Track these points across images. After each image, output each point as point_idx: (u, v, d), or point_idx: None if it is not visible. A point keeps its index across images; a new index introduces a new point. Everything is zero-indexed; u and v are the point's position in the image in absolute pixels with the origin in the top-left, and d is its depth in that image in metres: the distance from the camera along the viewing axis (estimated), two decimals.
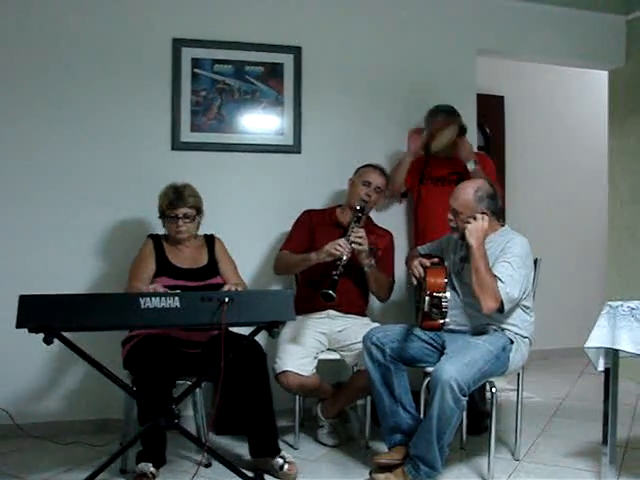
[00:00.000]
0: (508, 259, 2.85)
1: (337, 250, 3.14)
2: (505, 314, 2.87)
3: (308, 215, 3.60)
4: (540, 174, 5.59)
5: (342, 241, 3.18)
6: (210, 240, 3.32)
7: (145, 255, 3.17)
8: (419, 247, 3.37)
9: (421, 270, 2.94)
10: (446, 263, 3.09)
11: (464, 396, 2.65)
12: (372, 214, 3.63)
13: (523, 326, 2.97)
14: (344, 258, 3.13)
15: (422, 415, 3.01)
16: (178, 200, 3.12)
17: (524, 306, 2.97)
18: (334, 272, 3.09)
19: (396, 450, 2.93)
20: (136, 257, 3.19)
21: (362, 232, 3.25)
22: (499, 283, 2.78)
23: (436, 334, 3.00)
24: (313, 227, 3.53)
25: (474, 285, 2.81)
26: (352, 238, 3.20)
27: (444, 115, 3.70)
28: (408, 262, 3.21)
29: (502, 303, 2.78)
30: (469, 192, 2.97)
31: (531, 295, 3.05)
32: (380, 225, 3.68)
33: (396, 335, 2.99)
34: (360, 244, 3.22)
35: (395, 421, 2.96)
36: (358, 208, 3.36)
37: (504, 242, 2.94)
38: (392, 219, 3.97)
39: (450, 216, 2.99)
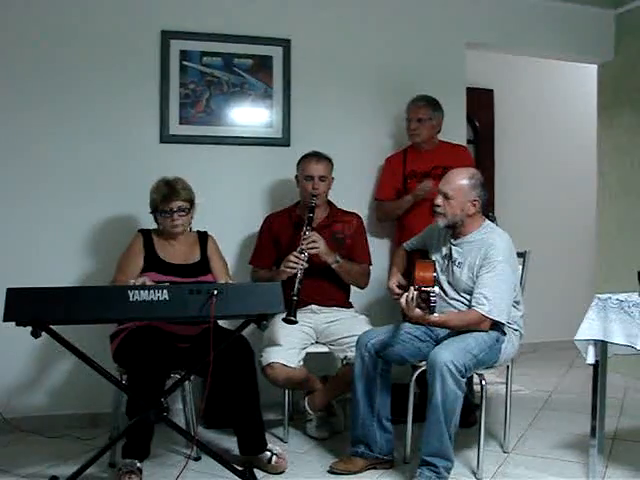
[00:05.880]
0: (492, 269, 2.80)
1: (290, 268, 3.15)
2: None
3: (269, 221, 3.58)
4: (529, 167, 5.61)
5: (292, 256, 3.17)
6: (203, 237, 3.28)
7: (134, 250, 3.13)
8: (404, 244, 3.34)
9: (403, 301, 2.72)
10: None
11: (463, 377, 2.63)
12: (335, 197, 3.59)
13: (512, 321, 2.96)
14: (299, 275, 3.10)
15: (409, 412, 3.01)
16: (172, 194, 3.08)
17: (514, 302, 2.95)
18: (292, 293, 3.04)
19: (354, 461, 2.91)
20: (125, 251, 3.16)
21: (313, 236, 3.24)
22: (479, 307, 2.76)
23: (429, 329, 2.97)
24: (276, 233, 3.51)
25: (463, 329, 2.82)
26: (304, 247, 3.19)
27: (425, 104, 3.73)
28: (389, 280, 3.11)
29: (493, 319, 2.77)
30: (464, 177, 2.91)
31: (519, 290, 3.05)
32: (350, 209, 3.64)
33: (391, 340, 2.91)
34: (315, 248, 3.22)
35: (364, 434, 2.92)
36: (308, 210, 3.32)
37: (485, 244, 2.87)
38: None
39: (438, 201, 2.91)
